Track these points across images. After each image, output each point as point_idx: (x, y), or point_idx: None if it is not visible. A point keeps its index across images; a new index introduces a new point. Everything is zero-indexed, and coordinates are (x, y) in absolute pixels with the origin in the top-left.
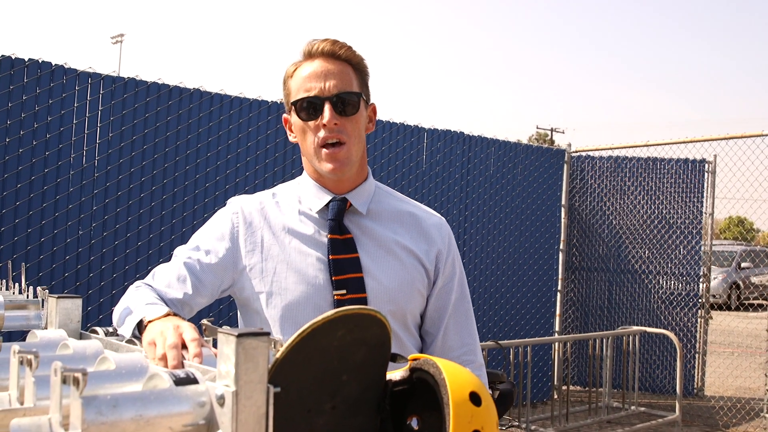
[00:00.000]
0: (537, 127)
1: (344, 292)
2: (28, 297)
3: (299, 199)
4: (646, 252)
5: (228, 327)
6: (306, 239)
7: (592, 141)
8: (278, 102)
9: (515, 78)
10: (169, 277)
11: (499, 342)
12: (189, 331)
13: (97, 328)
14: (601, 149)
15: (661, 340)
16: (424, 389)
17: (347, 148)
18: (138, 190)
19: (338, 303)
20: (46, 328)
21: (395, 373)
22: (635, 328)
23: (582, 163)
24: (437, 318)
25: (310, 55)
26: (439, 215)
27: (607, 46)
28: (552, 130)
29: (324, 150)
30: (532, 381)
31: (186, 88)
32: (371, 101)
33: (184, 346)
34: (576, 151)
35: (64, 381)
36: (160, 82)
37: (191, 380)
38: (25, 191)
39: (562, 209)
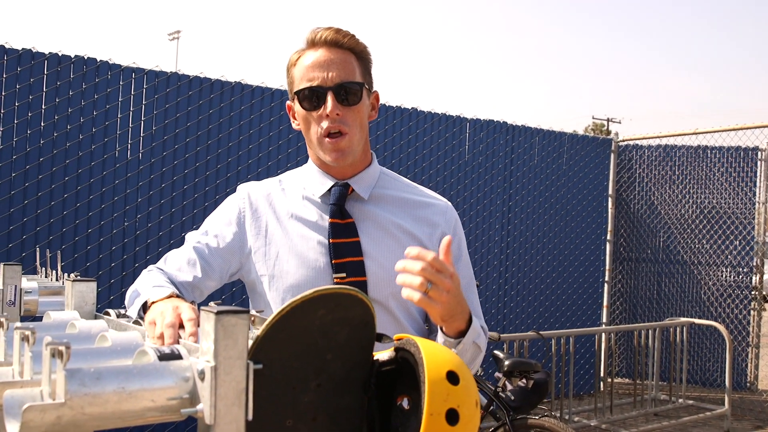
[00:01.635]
0: (593, 117)
1: (344, 275)
2: (63, 284)
3: (304, 185)
4: (696, 243)
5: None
6: (309, 224)
7: (648, 131)
8: None
9: (568, 67)
10: (180, 261)
11: (541, 332)
12: (187, 312)
13: (110, 310)
14: (649, 138)
15: (712, 333)
16: (410, 369)
17: (349, 138)
18: (181, 182)
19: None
20: None
21: (383, 354)
22: (683, 319)
23: (630, 152)
24: None
25: (313, 44)
26: (445, 200)
27: (662, 35)
28: (608, 120)
29: (326, 140)
30: (579, 373)
31: (227, 82)
32: (374, 89)
33: (182, 326)
34: (623, 141)
35: (53, 355)
36: (201, 75)
37: (175, 356)
38: (73, 184)
39: (609, 199)
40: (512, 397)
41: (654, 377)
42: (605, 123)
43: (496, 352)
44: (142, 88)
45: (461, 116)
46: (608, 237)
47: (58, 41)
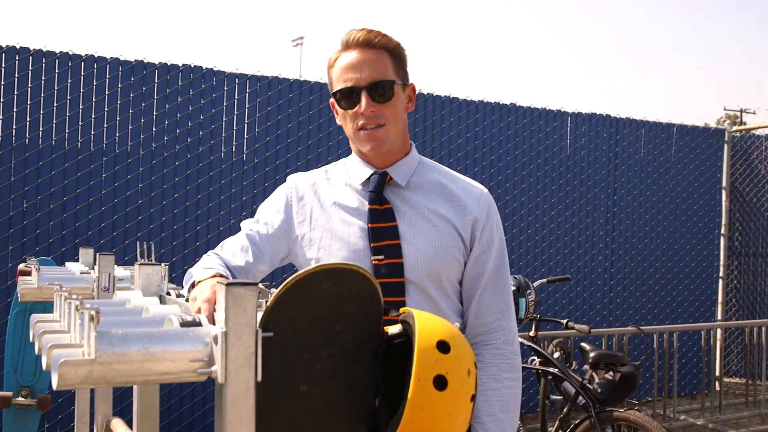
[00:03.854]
0: (725, 109)
1: (382, 257)
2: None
3: (347, 174)
4: None
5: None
6: (350, 210)
7: None
8: (433, 94)
9: (695, 58)
10: (234, 247)
11: (641, 327)
12: None
13: (171, 291)
14: (765, 126)
15: None
16: None
17: (385, 130)
18: (283, 181)
19: (376, 268)
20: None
21: (394, 327)
22: None
23: (745, 142)
24: (473, 284)
25: (347, 46)
26: (481, 187)
27: None
28: (741, 111)
29: (362, 132)
30: (692, 371)
31: (327, 84)
32: (410, 82)
33: None
34: (738, 131)
35: (90, 319)
36: (301, 79)
37: (196, 323)
38: (182, 184)
39: (723, 192)
40: (599, 390)
41: None
42: (738, 114)
43: (583, 344)
44: (245, 92)
45: (562, 110)
46: (722, 231)
47: (192, 53)
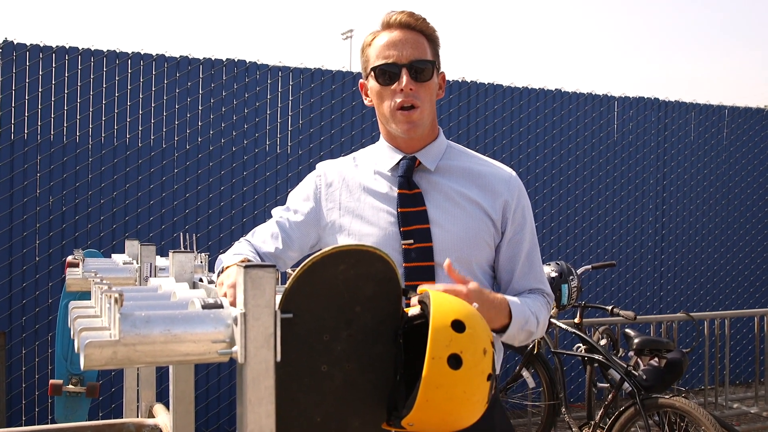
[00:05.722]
0: None
1: (411, 241)
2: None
3: (375, 161)
4: None
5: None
6: (379, 195)
7: None
8: (477, 82)
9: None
10: (264, 234)
11: (691, 314)
12: None
13: (203, 277)
14: None
15: None
16: None
17: (420, 111)
18: None
19: (406, 252)
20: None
21: (414, 309)
22: None
23: None
24: (509, 266)
25: (388, 26)
26: (510, 170)
27: None
28: None
29: (399, 112)
30: (747, 359)
31: None
32: (441, 70)
33: None
34: None
35: (115, 302)
36: (344, 70)
37: (217, 306)
38: (228, 178)
39: None
40: (644, 376)
41: None
42: None
43: (627, 330)
44: (288, 85)
45: (608, 95)
46: None
47: (245, 49)
